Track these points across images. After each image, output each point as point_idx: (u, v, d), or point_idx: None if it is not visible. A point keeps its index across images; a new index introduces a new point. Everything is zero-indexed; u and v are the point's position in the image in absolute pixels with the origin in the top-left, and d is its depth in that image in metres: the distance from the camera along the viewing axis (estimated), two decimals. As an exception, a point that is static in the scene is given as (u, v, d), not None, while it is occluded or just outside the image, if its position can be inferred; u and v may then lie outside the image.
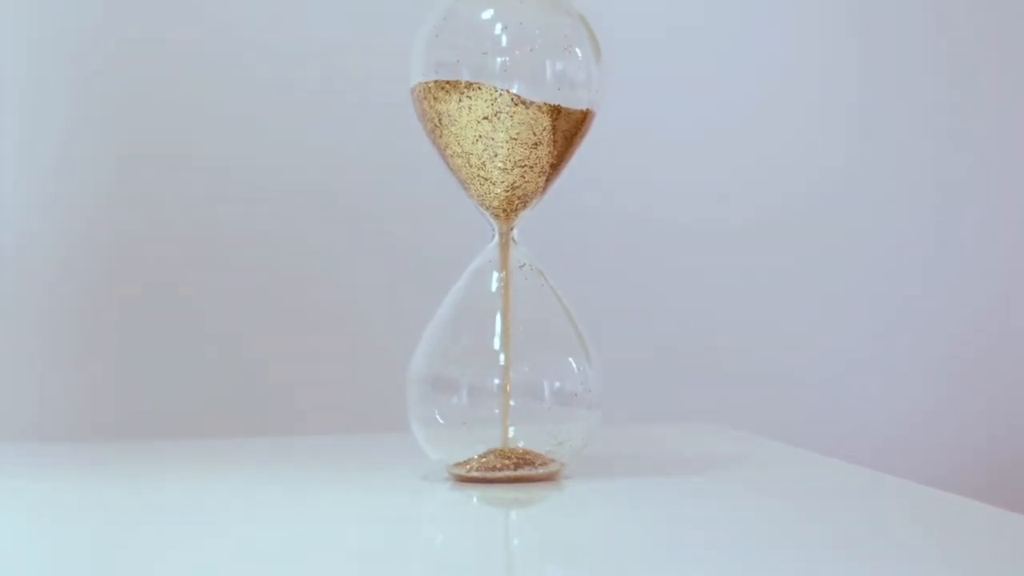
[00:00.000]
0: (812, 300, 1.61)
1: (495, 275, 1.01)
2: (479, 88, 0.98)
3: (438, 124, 1.00)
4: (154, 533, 0.88)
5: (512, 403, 0.99)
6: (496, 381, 0.99)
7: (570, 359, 1.01)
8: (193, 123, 1.47)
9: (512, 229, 1.03)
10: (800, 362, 1.59)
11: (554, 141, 1.00)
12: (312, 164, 1.51)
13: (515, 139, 0.99)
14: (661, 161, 1.58)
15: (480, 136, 0.99)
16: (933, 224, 1.62)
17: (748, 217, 1.59)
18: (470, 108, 0.99)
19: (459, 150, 1.00)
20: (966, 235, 1.63)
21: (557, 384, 1.00)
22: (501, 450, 1.00)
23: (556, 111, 0.99)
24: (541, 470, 1.00)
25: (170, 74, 1.48)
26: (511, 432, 1.00)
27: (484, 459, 1.00)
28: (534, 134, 0.99)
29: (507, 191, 1.01)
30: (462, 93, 0.98)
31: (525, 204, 1.02)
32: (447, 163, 1.02)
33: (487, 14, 0.99)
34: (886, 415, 1.60)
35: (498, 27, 0.99)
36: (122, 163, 1.46)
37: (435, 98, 0.99)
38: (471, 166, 1.00)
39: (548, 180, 1.02)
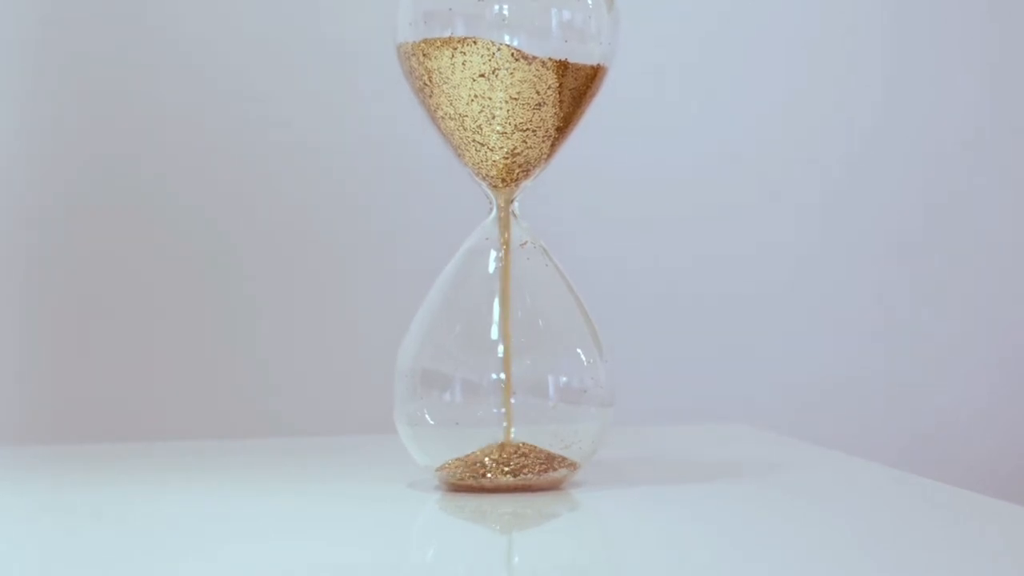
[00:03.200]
0: (844, 289, 1.62)
1: (493, 254, 1.01)
2: (474, 42, 0.97)
3: (428, 82, 0.99)
4: (111, 547, 0.88)
5: (512, 400, 0.98)
6: (494, 376, 0.98)
7: (578, 351, 1.00)
8: (165, 103, 1.50)
9: (512, 202, 1.02)
10: (831, 357, 1.61)
11: (560, 101, 0.99)
12: (283, 131, 1.52)
13: (515, 99, 0.98)
14: (680, 125, 1.59)
15: (476, 96, 0.98)
16: (965, 216, 1.64)
17: (778, 193, 1.61)
18: (464, 64, 0.97)
19: (452, 112, 0.99)
20: (1010, 229, 1.65)
21: (563, 379, 0.99)
22: (500, 454, 0.99)
23: (562, 67, 0.98)
24: (545, 476, 0.98)
25: (139, 50, 1.51)
26: (511, 433, 0.99)
27: (480, 464, 0.98)
28: (537, 93, 0.98)
29: (506, 158, 1.00)
30: (455, 48, 0.97)
31: (527, 173, 1.01)
32: (438, 126, 1.01)
33: (483, -45, 0.97)
34: (919, 414, 1.61)
35: (496, -30, 0.97)
36: (95, 153, 1.50)
37: (424, 54, 0.98)
38: (465, 130, 0.99)
39: (553, 146, 1.00)
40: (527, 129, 0.99)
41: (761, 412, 1.51)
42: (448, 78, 0.98)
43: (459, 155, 1.01)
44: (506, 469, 0.98)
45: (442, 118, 0.99)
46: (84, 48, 1.49)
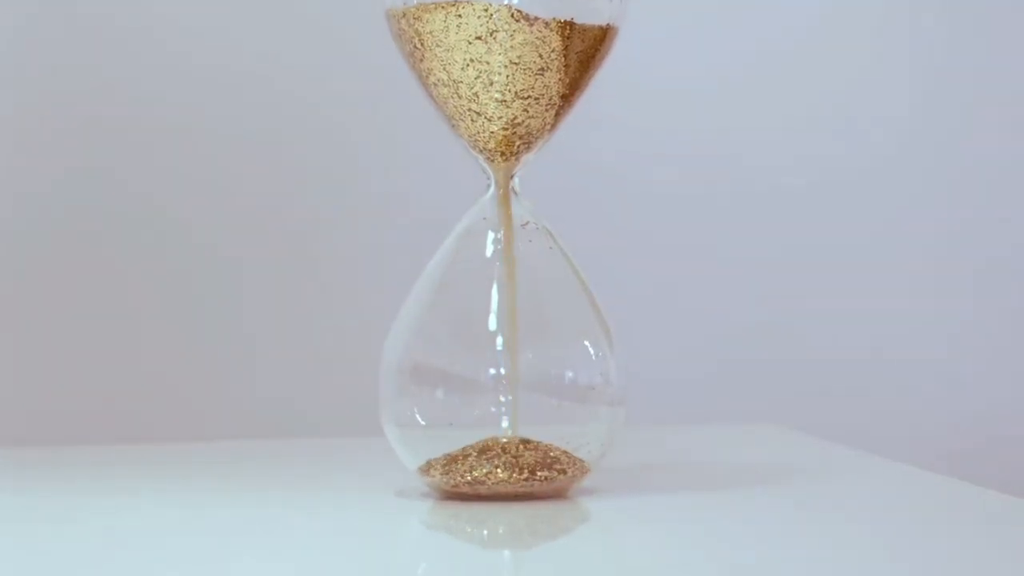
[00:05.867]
0: (885, 276, 1.61)
1: (491, 236, 1.00)
2: (470, 2, 0.96)
3: (419, 46, 0.98)
4: (81, 554, 0.88)
5: (513, 398, 0.97)
6: (492, 371, 0.97)
7: (586, 343, 0.99)
8: (148, 88, 1.53)
9: (512, 177, 1.00)
10: (870, 350, 1.60)
11: (565, 66, 0.97)
12: (261, 108, 1.53)
13: (516, 64, 0.96)
14: (699, 91, 1.58)
15: (472, 60, 0.97)
16: (1003, 207, 1.64)
17: (808, 171, 1.60)
18: (459, 26, 0.96)
19: (445, 77, 0.97)
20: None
21: (569, 374, 0.98)
22: (499, 457, 0.98)
23: (568, 28, 0.97)
24: (550, 483, 0.97)
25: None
26: (511, 435, 0.98)
27: (476, 469, 0.97)
28: (540, 57, 0.96)
29: (506, 129, 0.98)
30: (448, 11, 0.96)
31: (529, 145, 0.99)
32: (429, 94, 0.99)
33: (478, -97, 0.96)
34: (967, 416, 1.61)
35: (492, -80, 0.96)
36: (89, 154, 1.52)
37: (415, 17, 0.97)
38: (460, 97, 0.98)
39: (558, 115, 0.99)
40: (528, 97, 0.97)
41: (790, 411, 1.50)
42: (441, 41, 0.97)
43: (453, 126, 0.99)
44: (506, 474, 0.96)
45: (434, 84, 0.98)
46: (67, 47, 1.52)
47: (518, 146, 0.99)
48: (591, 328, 0.99)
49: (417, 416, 0.97)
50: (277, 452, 1.27)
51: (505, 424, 0.97)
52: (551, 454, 0.98)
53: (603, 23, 0.98)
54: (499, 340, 0.97)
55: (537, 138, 0.99)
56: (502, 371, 0.97)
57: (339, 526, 0.94)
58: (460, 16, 0.96)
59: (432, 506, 0.96)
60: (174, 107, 1.52)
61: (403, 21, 0.97)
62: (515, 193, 1.00)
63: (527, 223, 1.00)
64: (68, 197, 1.51)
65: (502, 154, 0.99)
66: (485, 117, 0.98)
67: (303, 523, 0.94)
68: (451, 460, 0.97)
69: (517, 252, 0.99)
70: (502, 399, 0.97)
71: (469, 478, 0.96)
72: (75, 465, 1.21)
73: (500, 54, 0.96)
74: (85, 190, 1.52)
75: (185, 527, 0.95)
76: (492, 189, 1.00)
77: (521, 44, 0.96)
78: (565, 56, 0.97)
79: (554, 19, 0.96)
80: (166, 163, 1.52)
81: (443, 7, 0.96)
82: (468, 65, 0.96)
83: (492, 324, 0.97)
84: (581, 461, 0.98)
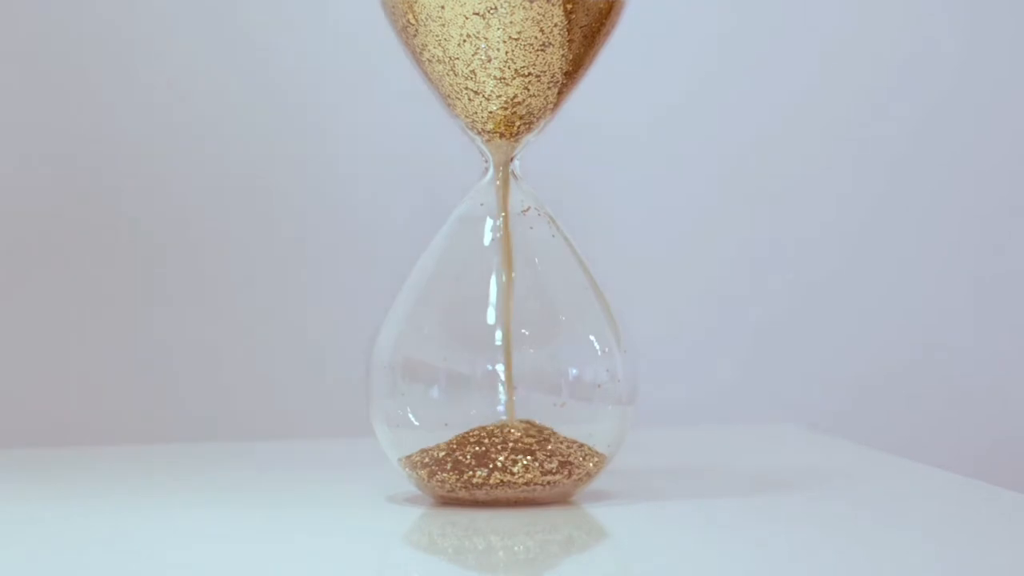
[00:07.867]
0: (908, 268, 1.60)
1: (488, 223, 0.98)
2: None
3: (412, 22, 0.96)
4: (61, 562, 0.87)
5: (512, 397, 0.96)
6: (490, 367, 0.96)
7: (591, 338, 0.97)
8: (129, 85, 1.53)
9: (512, 160, 0.99)
10: (894, 346, 1.58)
11: (569, 41, 0.96)
12: (243, 96, 1.53)
13: (516, 39, 0.95)
14: (712, 69, 1.57)
15: (469, 36, 0.95)
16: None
17: (821, 165, 1.59)
18: (456, 2, 0.95)
19: (440, 54, 0.96)
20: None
21: (574, 371, 0.96)
22: (497, 461, 0.96)
23: (571, 1, 0.95)
24: (552, 488, 0.96)
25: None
26: (511, 437, 0.96)
27: (474, 473, 0.96)
28: (542, 32, 0.95)
29: (505, 108, 0.97)
30: None
31: (529, 126, 0.98)
32: (424, 71, 0.98)
33: None
34: (997, 416, 1.59)
35: None
36: (83, 154, 1.52)
37: None
38: (457, 75, 0.96)
39: (560, 94, 0.97)
40: (530, 74, 0.96)
41: (810, 410, 1.50)
42: (436, 16, 0.96)
43: (449, 105, 0.98)
44: (506, 478, 0.95)
45: (428, 61, 0.97)
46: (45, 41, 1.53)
47: (518, 126, 0.97)
48: (597, 322, 0.97)
49: (409, 416, 0.96)
50: (259, 454, 1.27)
51: (511, 422, 0.96)
52: (555, 457, 0.96)
53: (609, -4, 0.97)
54: (497, 335, 0.96)
55: (539, 118, 0.97)
56: (501, 368, 0.95)
57: (325, 531, 0.92)
58: (456, -7, 0.96)
59: (426, 511, 0.95)
60: (166, 96, 1.52)
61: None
62: (515, 177, 0.98)
63: (528, 209, 0.98)
64: (67, 197, 1.52)
65: (501, 135, 0.97)
66: (483, 96, 0.96)
67: (286, 529, 0.93)
68: (446, 463, 0.95)
69: (517, 240, 0.97)
70: (501, 398, 0.96)
71: (466, 482, 0.95)
72: (75, 465, 1.22)
73: (499, 29, 0.95)
74: (84, 190, 1.52)
75: (181, 527, 0.94)
76: (490, 172, 0.98)
77: (522, 19, 0.95)
78: (568, 31, 0.95)
79: (557, -9, 0.96)
80: (162, 155, 1.52)
81: (438, -14, 0.96)
82: (465, 41, 0.95)
83: (490, 317, 0.96)
84: (587, 464, 0.96)
